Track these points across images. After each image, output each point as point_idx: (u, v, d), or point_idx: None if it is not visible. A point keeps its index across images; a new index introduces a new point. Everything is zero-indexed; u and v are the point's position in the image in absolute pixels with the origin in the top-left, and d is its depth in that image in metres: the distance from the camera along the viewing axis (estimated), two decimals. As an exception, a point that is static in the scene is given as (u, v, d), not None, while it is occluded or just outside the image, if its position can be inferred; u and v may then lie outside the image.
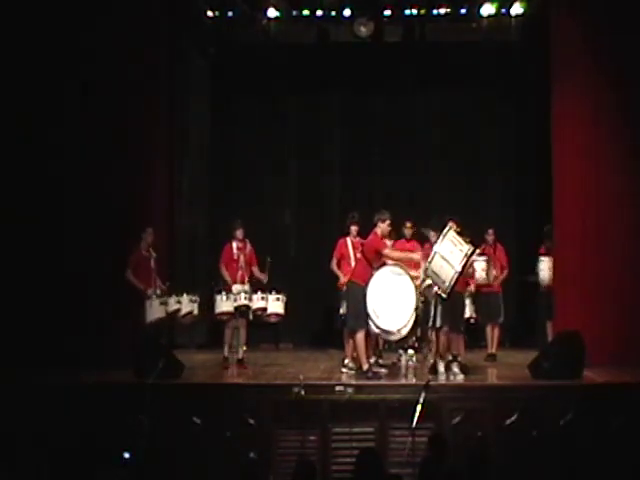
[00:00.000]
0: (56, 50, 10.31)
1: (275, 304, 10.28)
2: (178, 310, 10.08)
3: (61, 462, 7.69)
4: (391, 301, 9.23)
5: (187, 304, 10.18)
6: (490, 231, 11.24)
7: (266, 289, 10.27)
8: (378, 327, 9.28)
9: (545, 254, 11.25)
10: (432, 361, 9.61)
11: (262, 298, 10.20)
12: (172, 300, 9.98)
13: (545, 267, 11.15)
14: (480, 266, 10.77)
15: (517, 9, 12.19)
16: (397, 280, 9.31)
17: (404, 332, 9.34)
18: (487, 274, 10.84)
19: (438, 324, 9.23)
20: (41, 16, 10.28)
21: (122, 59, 10.52)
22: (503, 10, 12.27)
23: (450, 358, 9.40)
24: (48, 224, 10.24)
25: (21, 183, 10.26)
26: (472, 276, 10.33)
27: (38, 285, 10.09)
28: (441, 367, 9.29)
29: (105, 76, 10.43)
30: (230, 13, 12.60)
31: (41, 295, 10.07)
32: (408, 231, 10.56)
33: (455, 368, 9.28)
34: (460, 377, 9.21)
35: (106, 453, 7.53)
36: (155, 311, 9.74)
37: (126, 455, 7.04)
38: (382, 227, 9.37)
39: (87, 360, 9.61)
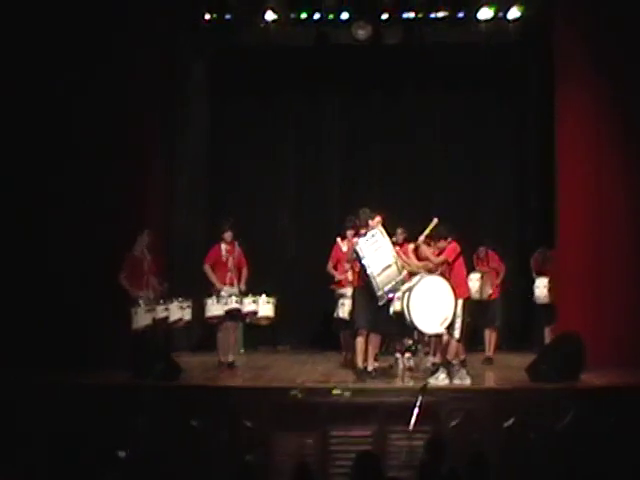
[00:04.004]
0: (56, 50, 10.36)
1: (266, 307, 10.31)
2: (166, 317, 10.04)
3: (59, 463, 7.68)
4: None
5: (176, 311, 10.15)
6: (481, 248, 11.23)
7: (257, 292, 10.28)
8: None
9: (539, 274, 11.30)
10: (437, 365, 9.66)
11: (253, 301, 10.22)
12: (160, 308, 9.94)
13: (540, 287, 11.23)
14: (475, 277, 10.80)
15: (514, 13, 12.17)
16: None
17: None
18: (481, 289, 10.85)
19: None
20: (44, 20, 10.33)
21: (120, 59, 10.55)
22: (501, 14, 12.26)
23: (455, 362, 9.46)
24: (47, 225, 10.26)
25: (17, 184, 10.26)
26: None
27: (37, 286, 10.10)
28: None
29: (102, 77, 10.45)
30: (228, 16, 12.61)
31: (40, 296, 10.08)
32: (400, 236, 10.58)
33: (442, 374, 9.29)
34: (446, 381, 9.19)
35: (104, 455, 7.52)
36: (141, 318, 9.71)
37: (122, 454, 7.03)
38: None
39: (85, 361, 9.64)
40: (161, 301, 10.04)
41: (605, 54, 10.44)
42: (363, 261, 9.04)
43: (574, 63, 10.59)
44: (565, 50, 10.67)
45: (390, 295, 9.26)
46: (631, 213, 10.42)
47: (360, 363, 9.38)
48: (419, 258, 9.78)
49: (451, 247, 9.39)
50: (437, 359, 9.89)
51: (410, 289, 9.25)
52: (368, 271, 9.01)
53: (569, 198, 10.62)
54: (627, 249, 10.39)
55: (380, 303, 9.21)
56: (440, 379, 9.16)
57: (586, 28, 10.53)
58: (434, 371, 9.46)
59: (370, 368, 9.39)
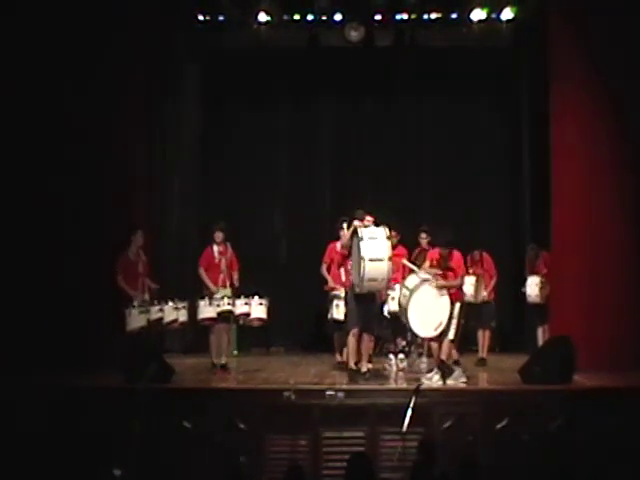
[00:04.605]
0: (54, 52, 10.38)
1: (258, 309, 10.27)
2: (161, 319, 10.02)
3: (54, 464, 7.68)
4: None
5: (170, 312, 10.12)
6: (476, 252, 11.23)
7: (249, 294, 10.27)
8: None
9: (532, 273, 11.31)
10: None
11: (245, 303, 10.20)
12: (154, 309, 9.92)
13: (532, 285, 11.23)
14: (470, 281, 10.79)
15: (508, 14, 12.21)
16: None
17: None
18: (475, 292, 10.86)
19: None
20: (45, 20, 10.33)
21: (115, 60, 10.55)
22: (494, 15, 12.29)
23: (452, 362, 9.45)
24: (46, 226, 10.25)
25: (17, 184, 10.26)
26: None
27: (36, 286, 10.08)
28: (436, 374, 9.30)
29: (97, 78, 10.45)
30: (221, 17, 12.61)
31: (39, 296, 10.07)
32: (393, 240, 10.58)
33: (436, 375, 9.25)
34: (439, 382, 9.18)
35: (98, 457, 7.51)
36: (135, 320, 9.68)
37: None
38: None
39: (85, 362, 9.65)
40: (155, 302, 10.02)
41: (603, 53, 10.37)
42: (360, 243, 9.01)
43: (571, 63, 10.51)
44: (561, 50, 10.59)
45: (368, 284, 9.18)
46: (627, 214, 10.39)
47: (352, 364, 9.37)
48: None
49: (457, 259, 9.41)
50: (431, 360, 9.88)
51: (411, 292, 9.21)
52: (361, 253, 8.94)
53: (564, 199, 10.59)
54: (622, 251, 10.36)
55: (357, 290, 9.16)
56: (434, 380, 9.16)
57: (584, 27, 10.46)
58: (427, 372, 9.47)
59: (364, 369, 9.38)
